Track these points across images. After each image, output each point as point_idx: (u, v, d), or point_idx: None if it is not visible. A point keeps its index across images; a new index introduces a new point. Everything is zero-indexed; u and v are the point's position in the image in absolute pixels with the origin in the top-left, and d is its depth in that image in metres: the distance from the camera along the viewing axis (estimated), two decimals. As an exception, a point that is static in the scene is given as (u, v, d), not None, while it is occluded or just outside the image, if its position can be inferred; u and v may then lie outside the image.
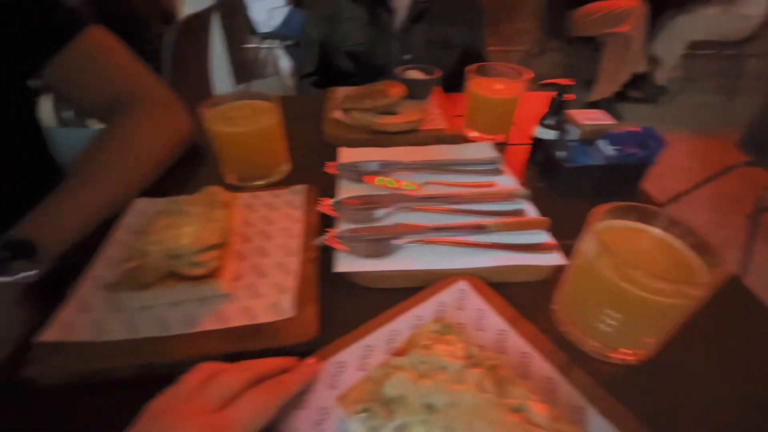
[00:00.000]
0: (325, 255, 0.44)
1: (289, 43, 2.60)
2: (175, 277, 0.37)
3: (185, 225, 0.39)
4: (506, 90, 0.64)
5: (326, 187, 0.55)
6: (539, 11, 2.87)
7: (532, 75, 0.64)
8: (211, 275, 0.37)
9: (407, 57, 1.05)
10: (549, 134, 0.60)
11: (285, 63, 2.65)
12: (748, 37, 2.58)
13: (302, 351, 0.35)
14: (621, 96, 2.63)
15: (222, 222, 0.41)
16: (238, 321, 0.36)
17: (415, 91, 0.77)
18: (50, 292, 0.44)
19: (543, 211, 0.49)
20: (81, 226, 0.46)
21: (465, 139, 0.69)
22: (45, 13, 0.53)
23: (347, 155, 0.60)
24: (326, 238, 0.43)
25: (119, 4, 1.28)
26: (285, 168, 0.60)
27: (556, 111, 0.59)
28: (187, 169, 0.62)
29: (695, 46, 2.65)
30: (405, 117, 0.67)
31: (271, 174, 0.58)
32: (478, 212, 0.49)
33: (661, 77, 2.77)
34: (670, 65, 2.75)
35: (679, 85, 2.87)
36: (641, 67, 2.60)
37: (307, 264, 0.42)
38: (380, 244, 0.43)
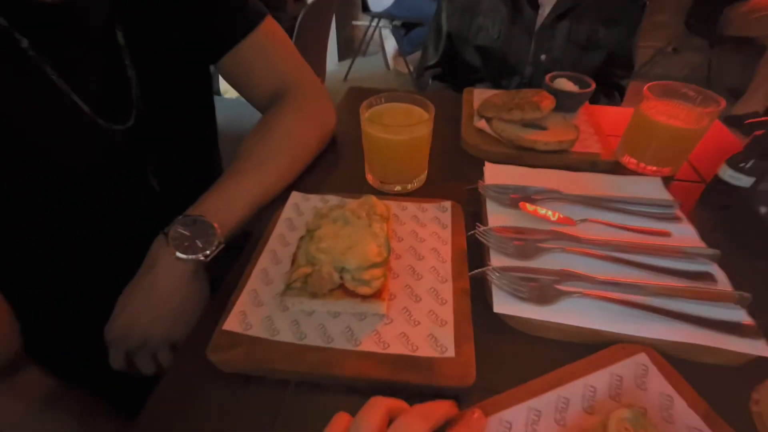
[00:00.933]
0: (476, 286, 0.42)
1: (396, 23, 2.56)
2: (341, 289, 0.37)
3: (352, 237, 0.40)
4: (690, 118, 0.55)
5: (467, 203, 0.52)
6: (685, 3, 2.46)
7: (724, 104, 0.53)
8: (375, 295, 0.37)
9: (543, 57, 0.95)
10: (742, 180, 0.50)
11: (391, 43, 2.62)
12: None
13: (455, 393, 0.34)
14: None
15: (383, 238, 0.41)
16: (397, 348, 0.35)
17: (565, 104, 0.70)
18: (215, 273, 0.48)
19: (735, 279, 0.41)
20: (247, 212, 0.50)
21: (622, 168, 0.61)
22: (232, 3, 0.56)
23: (493, 172, 0.56)
24: (483, 272, 0.41)
25: None
26: (423, 176, 0.58)
27: (761, 154, 0.49)
28: (327, 162, 0.63)
29: None
30: (557, 135, 0.61)
31: (411, 181, 0.57)
32: (649, 267, 0.42)
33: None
34: None
35: None
36: (812, 80, 2.12)
37: (460, 295, 0.40)
38: (545, 289, 0.39)
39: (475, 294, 0.41)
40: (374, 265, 0.38)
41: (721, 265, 0.43)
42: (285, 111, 0.58)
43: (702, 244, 0.45)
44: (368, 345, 0.36)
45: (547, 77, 0.72)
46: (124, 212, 0.54)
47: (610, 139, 0.65)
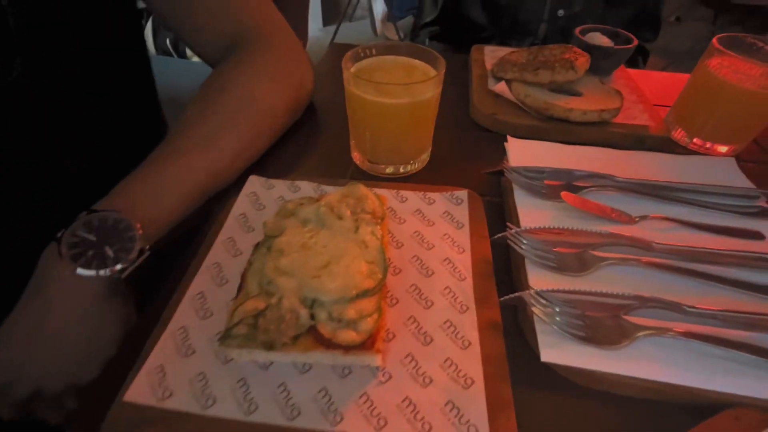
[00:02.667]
0: (508, 314, 0.29)
1: (386, -17, 2.32)
2: (312, 335, 0.24)
3: (329, 249, 0.26)
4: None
5: (485, 191, 0.39)
6: (693, -33, 2.28)
7: None
8: (365, 344, 0.24)
9: (560, 13, 0.80)
10: None
11: (379, 6, 2.39)
12: None
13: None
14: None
15: (377, 249, 0.27)
16: (399, 426, 0.23)
17: (599, 64, 0.55)
18: (142, 293, 0.34)
19: None
20: (186, 204, 0.35)
21: (674, 145, 0.48)
22: None
23: (519, 150, 0.42)
24: (521, 297, 0.28)
25: None
26: (426, 155, 0.44)
27: None
28: (302, 136, 0.48)
29: None
30: (596, 102, 0.47)
31: (412, 161, 0.42)
32: (748, 286, 0.30)
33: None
34: None
35: None
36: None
37: (489, 333, 0.27)
38: (612, 325, 0.27)
39: (508, 326, 0.28)
40: (363, 294, 0.25)
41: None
42: (243, 66, 0.42)
43: (807, 251, 0.33)
44: (354, 423, 0.23)
45: (577, 30, 0.57)
46: (25, 204, 0.39)
47: (656, 109, 0.51)
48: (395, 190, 0.37)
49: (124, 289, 0.32)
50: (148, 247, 0.31)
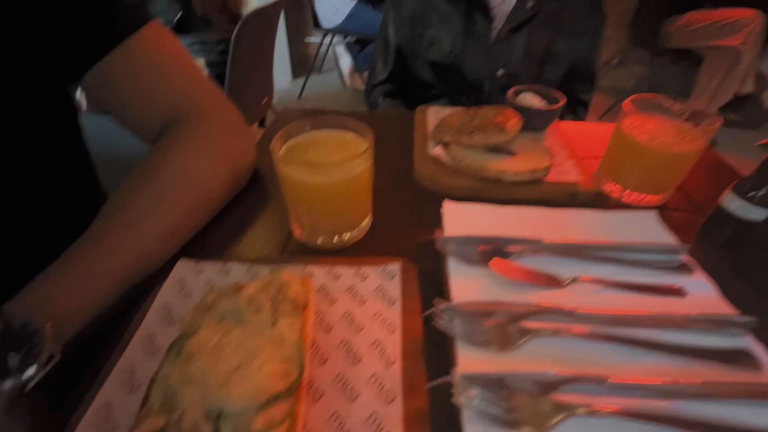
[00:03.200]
0: (440, 399, 0.28)
1: (350, 39, 2.46)
2: (216, 452, 0.22)
3: (240, 350, 0.25)
4: (681, 138, 0.45)
5: (424, 258, 0.39)
6: (627, 17, 2.53)
7: (720, 121, 0.44)
8: (274, 457, 0.22)
9: (500, 73, 0.86)
10: (754, 212, 0.40)
11: (345, 60, 2.52)
12: None
13: None
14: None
15: (295, 345, 0.26)
16: None
17: (532, 123, 0.59)
18: (49, 404, 0.32)
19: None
20: (105, 294, 0.34)
21: (606, 198, 0.50)
22: (97, 7, 0.41)
23: (455, 215, 0.43)
24: (447, 382, 0.27)
25: (202, 3, 1.20)
26: (366, 222, 0.45)
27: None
28: (242, 210, 0.48)
29: (815, 65, 2.23)
30: (528, 161, 0.50)
31: (351, 230, 0.43)
32: (669, 349, 0.30)
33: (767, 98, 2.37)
34: (782, 87, 2.33)
35: (787, 111, 2.44)
36: (747, 88, 2.22)
37: (416, 425, 0.26)
38: (537, 406, 0.26)
39: (438, 413, 0.27)
40: (274, 399, 0.23)
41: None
42: (177, 143, 0.42)
43: (726, 305, 0.34)
44: None
45: (510, 92, 0.61)
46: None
47: (587, 162, 0.54)
48: (329, 266, 0.37)
49: (27, 401, 0.30)
50: (60, 349, 0.29)
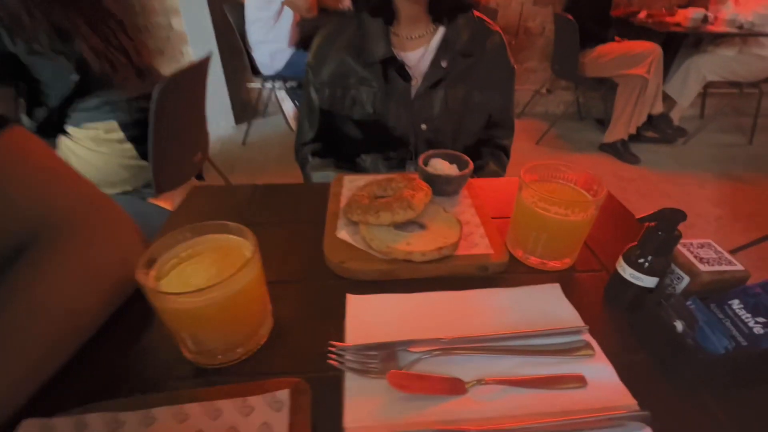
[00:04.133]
0: None
1: (293, 84, 2.48)
2: None
3: None
4: (575, 205, 0.46)
5: (324, 368, 0.36)
6: (548, 52, 2.76)
7: (604, 192, 0.45)
8: None
9: (423, 127, 0.87)
10: (645, 280, 0.41)
11: (288, 105, 2.52)
12: (765, 78, 2.44)
13: None
14: (635, 137, 2.47)
15: None
16: None
17: (443, 189, 0.59)
18: None
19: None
20: None
21: (518, 265, 0.50)
22: None
23: (358, 309, 0.41)
24: None
25: (99, 62, 1.14)
26: (266, 328, 0.41)
27: (659, 250, 0.40)
28: (130, 324, 0.42)
29: (710, 84, 2.53)
30: (436, 237, 0.49)
31: (245, 344, 0.39)
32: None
33: (675, 116, 2.63)
34: (686, 105, 2.61)
35: (695, 125, 2.72)
36: (657, 108, 2.46)
37: None
38: None
39: None
40: None
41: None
42: (35, 266, 0.37)
43: (627, 395, 0.33)
44: None
45: (421, 159, 0.61)
46: None
47: (500, 224, 0.54)
48: (210, 402, 0.32)
49: None
50: None
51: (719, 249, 0.43)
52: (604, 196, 0.45)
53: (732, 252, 0.43)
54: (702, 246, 0.43)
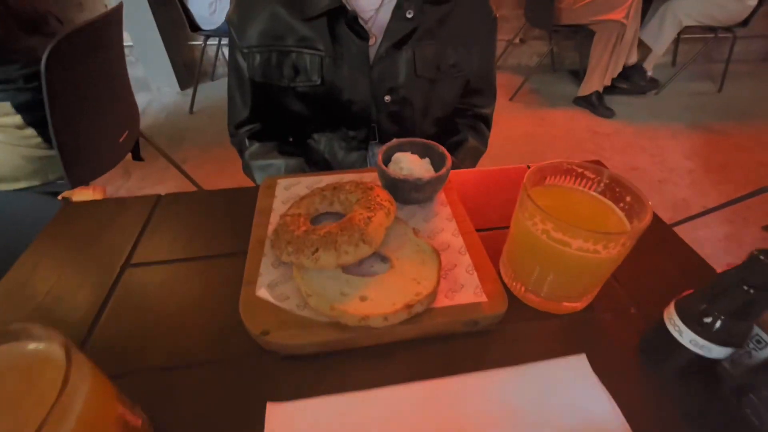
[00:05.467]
0: None
1: (240, 40, 2.12)
2: None
3: None
4: (607, 242, 0.30)
5: None
6: (522, -3, 2.49)
7: (649, 217, 0.30)
8: None
9: (387, 99, 0.67)
10: (711, 350, 0.27)
11: (237, 65, 2.17)
12: (741, 22, 2.31)
13: None
14: (608, 88, 2.33)
15: None
16: None
17: (411, 197, 0.42)
18: None
19: None
20: None
21: (519, 307, 0.35)
22: None
23: (278, 424, 0.25)
24: None
25: None
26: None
27: (741, 312, 0.26)
28: None
29: (685, 30, 2.38)
30: (405, 287, 0.32)
31: None
32: None
33: (649, 65, 2.49)
34: (660, 53, 2.46)
35: (667, 73, 2.60)
36: (633, 58, 2.30)
37: None
38: None
39: None
40: None
41: None
42: None
43: None
44: None
45: (380, 155, 0.43)
46: None
47: (488, 240, 0.39)
48: None
49: None
50: None
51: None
52: (648, 220, 0.29)
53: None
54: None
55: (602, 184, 0.34)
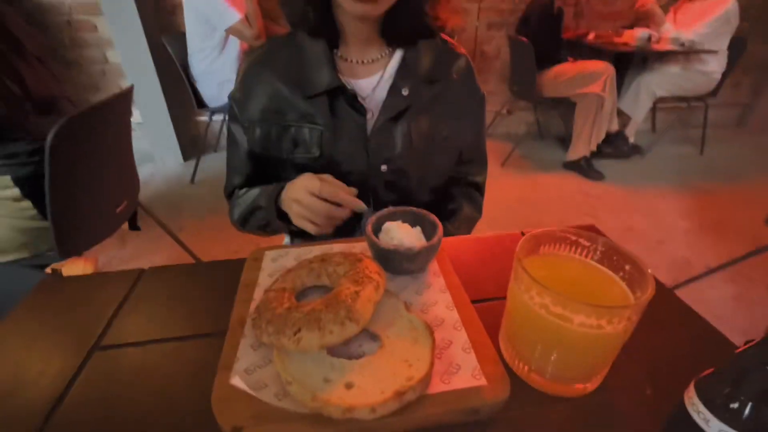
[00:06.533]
0: None
1: (244, 115, 2.27)
2: None
3: None
4: (611, 316, 0.28)
5: None
6: (505, 74, 2.73)
7: (652, 290, 0.29)
8: None
9: (384, 168, 0.69)
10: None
11: (240, 137, 2.29)
12: (709, 92, 2.51)
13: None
14: (596, 153, 2.44)
15: None
16: None
17: (402, 267, 0.41)
18: None
19: None
20: None
21: (522, 388, 0.32)
22: None
23: None
24: None
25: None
26: None
27: (759, 394, 0.23)
28: None
29: (660, 99, 2.56)
30: (395, 372, 0.30)
31: None
32: None
33: (631, 132, 2.64)
34: (640, 120, 2.63)
35: (648, 138, 2.76)
36: (614, 126, 2.46)
37: None
38: None
39: None
40: None
41: None
42: None
43: None
44: None
45: (370, 225, 0.43)
46: None
47: (487, 313, 0.36)
48: None
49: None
50: None
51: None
52: (651, 291, 0.28)
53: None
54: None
55: (599, 252, 0.33)
